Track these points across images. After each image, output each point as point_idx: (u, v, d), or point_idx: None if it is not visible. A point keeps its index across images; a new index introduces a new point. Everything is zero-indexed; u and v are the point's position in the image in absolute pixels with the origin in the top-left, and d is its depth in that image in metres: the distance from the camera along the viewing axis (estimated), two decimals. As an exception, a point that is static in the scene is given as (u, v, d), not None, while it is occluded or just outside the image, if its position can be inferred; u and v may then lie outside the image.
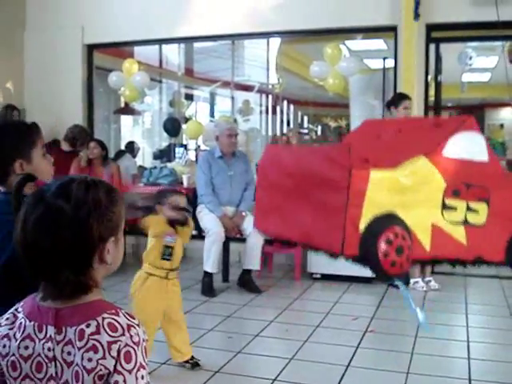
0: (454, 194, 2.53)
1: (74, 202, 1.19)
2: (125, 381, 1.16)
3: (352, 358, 3.88)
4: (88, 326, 1.18)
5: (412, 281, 5.79)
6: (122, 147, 8.87)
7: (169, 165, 7.02)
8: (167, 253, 3.48)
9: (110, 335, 1.17)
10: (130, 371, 1.17)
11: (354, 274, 5.90)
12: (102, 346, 1.16)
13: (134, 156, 8.36)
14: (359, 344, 4.15)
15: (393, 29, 6.48)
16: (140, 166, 8.45)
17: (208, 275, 5.54)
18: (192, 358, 3.67)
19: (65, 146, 6.88)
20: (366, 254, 2.44)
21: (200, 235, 5.78)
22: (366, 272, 5.79)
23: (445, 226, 2.54)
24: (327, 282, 5.94)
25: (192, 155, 9.00)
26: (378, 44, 9.28)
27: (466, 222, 2.58)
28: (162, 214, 3.55)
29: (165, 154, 8.69)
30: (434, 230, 2.50)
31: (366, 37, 8.09)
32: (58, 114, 7.42)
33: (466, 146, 2.59)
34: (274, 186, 2.62)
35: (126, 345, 1.17)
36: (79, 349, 1.17)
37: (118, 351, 1.16)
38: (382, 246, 2.37)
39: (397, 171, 2.40)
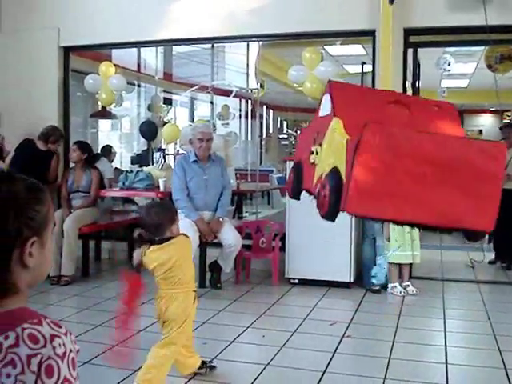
0: (314, 142, 2.94)
1: None
2: None
3: (329, 363, 3.83)
4: (6, 337, 1.08)
5: (390, 285, 5.77)
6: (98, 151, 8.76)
7: (145, 169, 6.93)
8: None
9: (30, 347, 1.07)
10: None
11: (332, 279, 5.88)
12: (21, 359, 1.06)
13: (111, 160, 8.25)
14: (336, 349, 4.09)
15: (371, 33, 6.47)
16: (116, 169, 8.34)
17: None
18: (203, 363, 3.61)
19: (40, 145, 6.80)
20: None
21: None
22: (344, 277, 5.83)
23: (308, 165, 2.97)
24: (305, 287, 5.89)
25: (171, 160, 8.92)
26: (356, 49, 9.31)
27: (313, 164, 2.94)
28: (175, 230, 3.36)
29: (142, 159, 8.60)
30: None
31: (345, 42, 8.10)
32: (34, 118, 7.31)
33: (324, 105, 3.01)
34: (396, 170, 2.62)
35: (49, 357, 1.07)
36: None
37: (39, 365, 1.06)
38: None
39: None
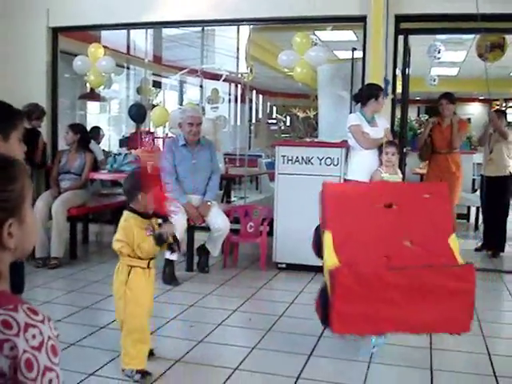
0: None
1: None
2: None
3: (314, 347, 3.86)
4: None
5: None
6: (87, 133, 8.70)
7: (133, 152, 6.90)
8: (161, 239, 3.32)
9: (2, 332, 1.06)
10: (34, 379, 1.06)
11: (320, 264, 5.88)
12: None
13: (99, 142, 8.21)
14: (322, 334, 4.12)
15: (362, 19, 6.45)
16: (103, 150, 8.30)
17: (169, 263, 5.46)
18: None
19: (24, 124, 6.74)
20: None
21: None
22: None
23: None
24: (292, 272, 5.92)
25: (160, 143, 8.88)
26: (347, 35, 9.29)
27: None
28: (144, 201, 3.33)
29: (131, 142, 8.55)
30: None
31: (336, 28, 8.07)
32: (22, 99, 7.20)
33: None
34: (369, 299, 3.19)
35: (24, 351, 1.06)
36: None
37: (15, 356, 1.05)
38: None
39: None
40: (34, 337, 1.08)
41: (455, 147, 6.83)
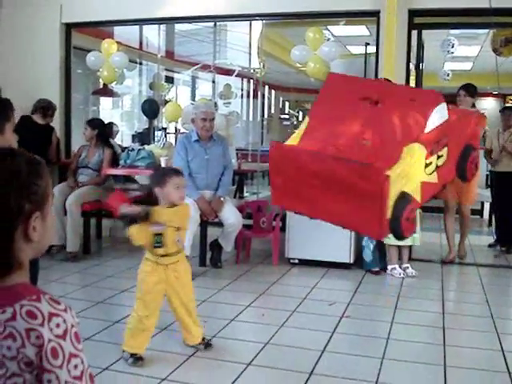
0: (430, 153, 3.12)
1: None
2: (58, 378, 1.09)
3: (327, 343, 3.86)
4: (4, 312, 1.10)
5: (389, 267, 5.79)
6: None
7: (146, 147, 6.91)
8: (158, 240, 3.43)
9: (27, 322, 1.09)
10: (60, 366, 1.10)
11: (332, 260, 5.90)
12: (20, 333, 1.09)
13: (113, 138, 8.23)
14: (335, 329, 4.12)
15: (375, 14, 6.42)
16: (119, 146, 8.32)
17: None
18: (203, 339, 3.70)
19: (38, 120, 6.79)
20: (394, 233, 3.07)
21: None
22: (344, 258, 5.85)
23: (427, 179, 3.16)
24: (304, 267, 5.92)
25: (172, 138, 8.90)
26: (360, 30, 9.24)
27: (437, 167, 3.21)
28: (163, 197, 3.45)
29: (144, 137, 8.57)
30: (422, 186, 3.13)
31: (348, 23, 8.03)
32: (35, 95, 7.26)
33: (437, 116, 3.14)
34: (292, 180, 3.20)
35: (50, 340, 1.09)
36: None
37: (41, 345, 1.08)
38: (405, 224, 3.01)
39: (401, 163, 2.96)
40: (57, 326, 1.11)
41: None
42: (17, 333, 1.09)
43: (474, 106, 6.43)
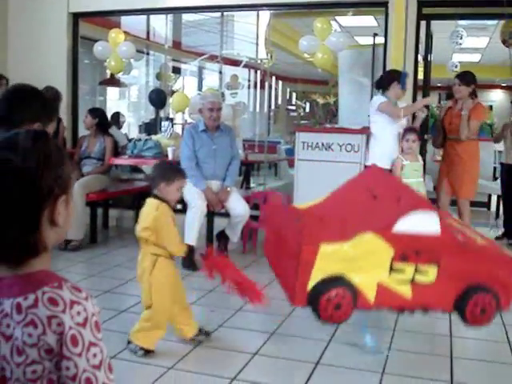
0: (402, 259, 3.03)
1: (22, 152, 1.12)
2: (76, 366, 1.09)
3: (334, 333, 3.86)
4: (26, 298, 1.11)
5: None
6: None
7: (153, 137, 6.91)
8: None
9: (49, 309, 1.09)
10: (79, 354, 1.10)
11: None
12: (42, 320, 1.09)
13: (120, 128, 8.24)
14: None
15: (384, 4, 6.39)
16: (125, 135, 8.33)
17: (189, 248, 5.48)
18: (200, 329, 3.67)
19: None
20: (311, 306, 3.11)
21: (184, 209, 5.71)
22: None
23: (389, 284, 3.08)
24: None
25: (179, 129, 8.89)
26: (368, 21, 9.20)
27: (412, 281, 3.08)
28: (162, 192, 3.43)
29: (151, 127, 8.58)
30: (379, 287, 3.07)
31: (356, 13, 8.00)
32: (42, 85, 7.23)
33: (418, 222, 3.06)
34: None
35: (70, 328, 1.09)
36: (18, 323, 1.10)
37: (62, 332, 1.09)
38: (323, 303, 3.05)
39: (346, 244, 3.03)
40: (78, 313, 1.11)
41: (461, 137, 5.77)
42: (38, 320, 1.09)
43: (475, 95, 5.92)
